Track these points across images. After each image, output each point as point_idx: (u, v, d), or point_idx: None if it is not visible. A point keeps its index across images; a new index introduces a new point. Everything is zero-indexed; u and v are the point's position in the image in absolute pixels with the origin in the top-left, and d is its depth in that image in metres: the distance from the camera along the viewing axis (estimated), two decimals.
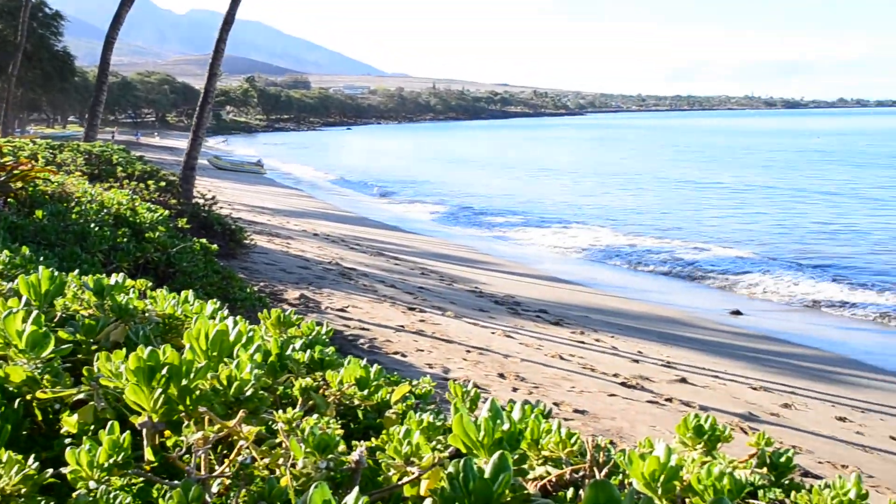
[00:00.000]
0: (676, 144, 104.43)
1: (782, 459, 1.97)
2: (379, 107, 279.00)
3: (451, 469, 1.51)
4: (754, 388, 12.37)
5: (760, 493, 1.75)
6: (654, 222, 35.24)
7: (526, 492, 1.61)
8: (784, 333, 17.91)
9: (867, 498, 1.77)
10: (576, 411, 8.98)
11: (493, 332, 13.38)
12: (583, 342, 13.87)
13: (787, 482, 1.92)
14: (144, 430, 1.84)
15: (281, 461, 1.75)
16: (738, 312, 19.76)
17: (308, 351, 2.50)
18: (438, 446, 1.79)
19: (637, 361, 12.81)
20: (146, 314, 2.74)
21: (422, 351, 10.99)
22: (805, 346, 16.94)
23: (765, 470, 1.93)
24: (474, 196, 46.38)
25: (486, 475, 1.47)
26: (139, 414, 1.84)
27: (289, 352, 2.46)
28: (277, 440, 1.85)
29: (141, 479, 1.72)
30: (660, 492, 1.54)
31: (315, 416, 1.93)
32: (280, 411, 1.87)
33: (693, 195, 45.91)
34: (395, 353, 10.61)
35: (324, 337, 2.87)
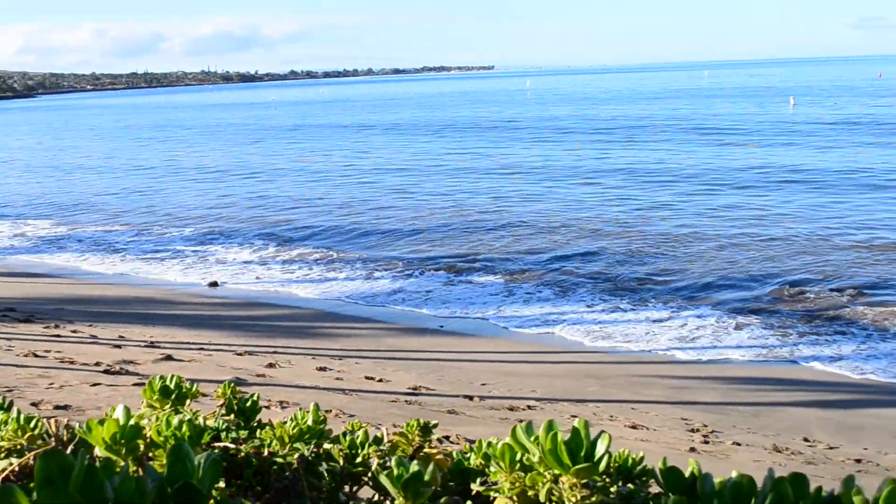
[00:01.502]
0: (131, 124, 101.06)
1: (248, 405, 2.07)
2: None
3: None
4: (239, 354, 12.73)
5: (223, 434, 1.83)
6: (112, 206, 33.86)
7: None
8: (263, 297, 18.63)
9: (325, 422, 1.94)
10: (57, 408, 8.49)
11: None
12: (59, 335, 13.12)
13: (255, 424, 2.03)
14: None
15: None
16: (215, 284, 20.09)
17: None
18: None
19: (119, 346, 12.46)
20: None
21: None
22: (285, 307, 17.80)
23: (232, 416, 2.02)
24: None
25: None
26: None
27: None
28: None
29: None
30: (123, 452, 1.54)
31: None
32: None
33: (156, 175, 44.63)
34: None
35: None
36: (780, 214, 25.88)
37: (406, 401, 10.64)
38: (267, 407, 9.17)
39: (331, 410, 9.62)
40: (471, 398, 11.10)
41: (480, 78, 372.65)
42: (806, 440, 10.29)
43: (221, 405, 2.06)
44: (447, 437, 8.17)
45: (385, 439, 1.97)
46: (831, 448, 9.98)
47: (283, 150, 55.48)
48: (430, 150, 51.34)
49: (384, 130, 69.68)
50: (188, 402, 2.03)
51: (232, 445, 1.77)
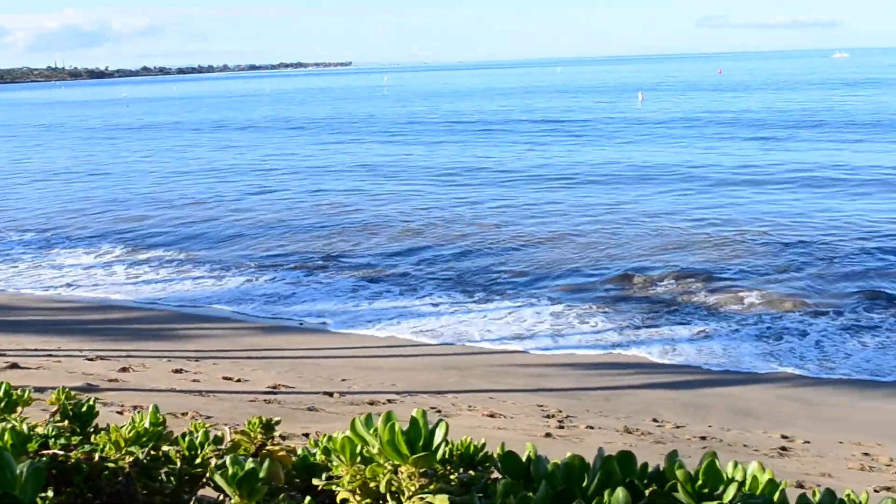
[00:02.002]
0: None
1: (83, 409, 2.02)
2: None
3: None
4: (90, 359, 12.31)
5: (52, 441, 1.78)
6: None
7: None
8: (114, 300, 18.03)
9: (164, 424, 1.92)
10: None
11: None
12: None
13: (91, 430, 1.98)
14: None
15: None
16: (68, 285, 19.37)
17: None
18: None
19: None
20: None
21: None
22: (137, 309, 17.27)
23: (66, 423, 1.96)
24: None
25: None
26: None
27: None
28: None
29: None
30: None
31: None
32: None
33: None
34: None
35: None
36: (626, 208, 26.72)
37: (265, 400, 10.53)
38: (120, 413, 8.90)
39: (187, 413, 9.41)
40: (331, 395, 11.08)
41: (338, 74, 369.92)
42: (655, 421, 10.72)
43: (55, 412, 2.00)
44: (307, 435, 8.13)
45: (227, 439, 1.96)
46: (678, 427, 10.43)
47: (137, 149, 53.57)
48: (288, 148, 50.56)
49: (241, 128, 68.06)
50: (20, 409, 1.96)
51: (61, 452, 1.72)
